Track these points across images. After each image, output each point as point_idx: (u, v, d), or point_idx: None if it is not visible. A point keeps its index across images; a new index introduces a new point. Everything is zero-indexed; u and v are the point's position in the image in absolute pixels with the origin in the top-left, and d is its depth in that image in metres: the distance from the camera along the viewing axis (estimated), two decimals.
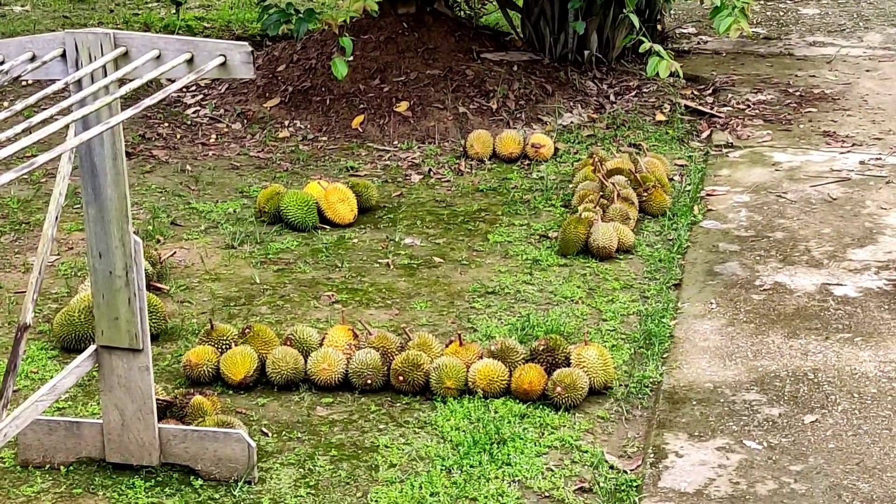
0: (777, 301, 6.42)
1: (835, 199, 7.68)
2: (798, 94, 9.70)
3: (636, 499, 4.79)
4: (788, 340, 6.00)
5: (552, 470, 5.00)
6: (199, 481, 4.90)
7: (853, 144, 8.63)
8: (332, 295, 6.57)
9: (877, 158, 8.33)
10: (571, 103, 9.31)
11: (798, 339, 6.01)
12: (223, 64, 4.30)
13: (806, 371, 5.72)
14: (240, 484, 4.86)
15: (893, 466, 4.97)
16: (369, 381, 5.56)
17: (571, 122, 9.06)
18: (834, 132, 8.86)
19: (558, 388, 5.40)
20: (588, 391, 5.48)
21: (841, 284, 6.58)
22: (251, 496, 4.83)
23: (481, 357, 5.63)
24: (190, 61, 4.32)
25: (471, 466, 5.00)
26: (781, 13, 11.91)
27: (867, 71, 10.24)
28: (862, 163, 8.27)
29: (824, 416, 5.34)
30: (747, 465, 5.00)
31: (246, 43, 4.33)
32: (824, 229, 7.26)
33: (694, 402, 5.48)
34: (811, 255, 6.94)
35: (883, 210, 7.50)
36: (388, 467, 5.03)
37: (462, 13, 10.51)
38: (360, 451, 5.15)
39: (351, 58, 8.27)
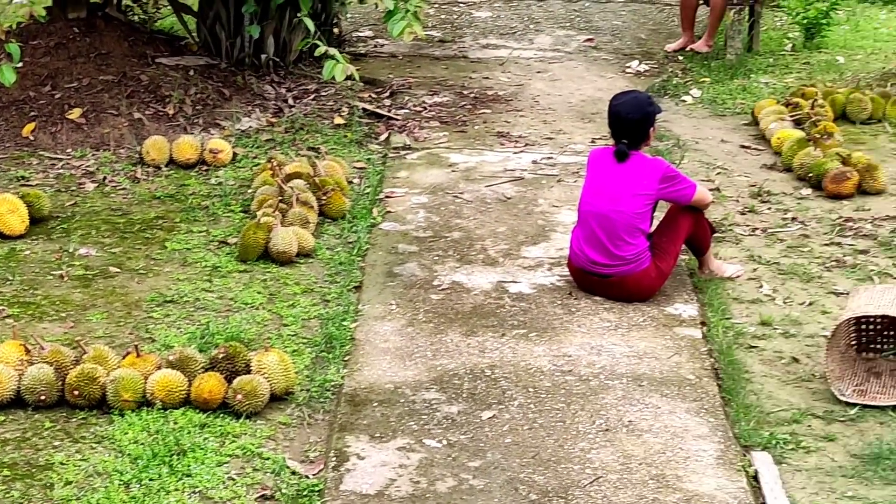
0: (455, 300, 6.52)
1: (509, 199, 7.86)
2: (473, 95, 9.89)
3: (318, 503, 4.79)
4: (466, 338, 6.11)
5: (234, 479, 4.94)
6: None
7: (526, 144, 8.85)
8: (3, 309, 6.33)
9: (548, 158, 8.56)
10: (249, 107, 9.25)
11: (476, 337, 6.13)
12: None
13: (483, 368, 5.83)
14: None
15: (567, 458, 5.11)
16: (42, 397, 5.38)
17: (250, 127, 9.00)
18: (507, 133, 9.07)
19: (238, 396, 5.35)
20: (269, 397, 5.45)
21: (516, 282, 6.74)
22: None
23: (159, 368, 5.52)
24: None
25: (150, 480, 4.90)
26: (455, 16, 12.12)
27: (538, 72, 10.53)
28: (534, 162, 8.49)
29: (501, 412, 5.45)
30: (427, 463, 5.07)
31: None
32: (500, 228, 7.42)
33: (375, 404, 5.51)
34: (487, 253, 7.09)
35: (555, 208, 7.72)
36: (64, 485, 4.88)
37: (136, 17, 10.31)
38: (34, 470, 4.98)
39: (20, 64, 7.99)
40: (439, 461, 5.08)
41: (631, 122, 6.53)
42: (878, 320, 6.02)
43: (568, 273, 6.75)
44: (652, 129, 6.62)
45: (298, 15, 9.05)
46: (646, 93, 7.07)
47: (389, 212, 7.66)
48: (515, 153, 8.67)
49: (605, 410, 5.48)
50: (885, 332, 6.06)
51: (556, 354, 5.97)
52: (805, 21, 11.47)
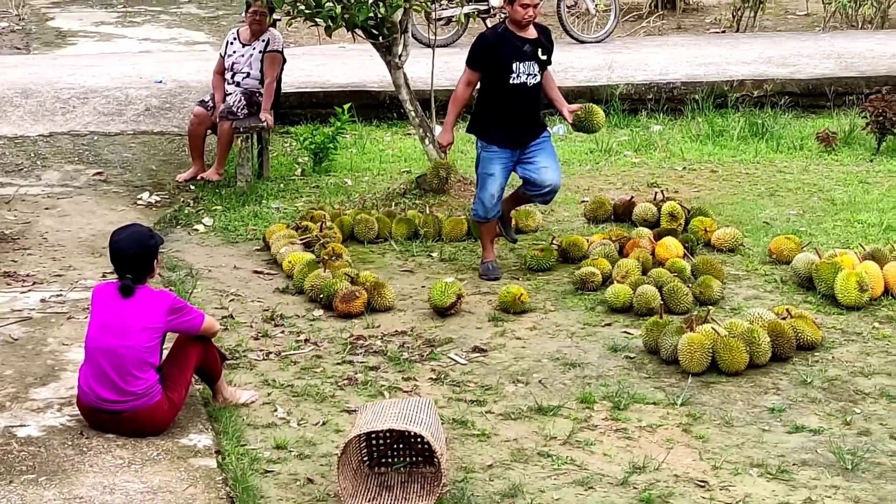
0: None
1: (17, 340, 7.58)
2: None
3: None
4: None
5: None
6: None
7: (34, 283, 8.60)
8: None
9: (58, 295, 8.34)
10: None
11: None
12: None
13: None
14: None
15: None
16: None
17: None
18: (14, 272, 8.78)
19: None
20: None
21: (24, 425, 6.49)
22: None
23: None
24: None
25: None
26: None
27: (47, 209, 10.30)
28: (43, 300, 8.24)
29: None
30: None
31: None
32: (6, 371, 7.14)
33: None
34: None
35: (65, 346, 7.50)
36: None
37: None
38: None
39: None
40: None
41: (133, 256, 6.46)
42: (387, 434, 6.17)
43: (79, 412, 6.56)
44: (156, 261, 6.59)
45: None
46: (146, 226, 7.03)
47: None
48: (23, 293, 8.40)
49: None
50: (395, 446, 6.21)
51: (67, 497, 5.77)
52: (313, 146, 11.78)
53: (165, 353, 6.62)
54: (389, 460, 6.22)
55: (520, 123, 8.77)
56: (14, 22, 18.43)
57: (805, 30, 18.54)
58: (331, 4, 9.75)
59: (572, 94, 13.69)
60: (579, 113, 9.06)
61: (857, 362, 7.47)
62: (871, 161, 12.11)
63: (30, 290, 8.46)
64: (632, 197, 10.34)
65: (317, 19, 10.12)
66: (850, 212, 10.34)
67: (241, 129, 10.98)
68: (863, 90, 13.93)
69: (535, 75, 8.73)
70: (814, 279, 8.50)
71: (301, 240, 9.26)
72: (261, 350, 7.64)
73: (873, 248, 8.86)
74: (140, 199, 10.66)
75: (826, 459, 6.34)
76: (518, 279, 8.90)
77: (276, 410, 6.85)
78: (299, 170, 11.79)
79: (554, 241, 9.27)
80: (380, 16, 10.04)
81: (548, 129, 9.18)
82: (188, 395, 6.64)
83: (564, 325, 8.08)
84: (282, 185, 11.23)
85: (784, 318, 7.66)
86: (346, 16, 9.88)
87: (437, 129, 11.78)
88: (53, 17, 19.00)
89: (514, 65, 8.63)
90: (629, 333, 7.91)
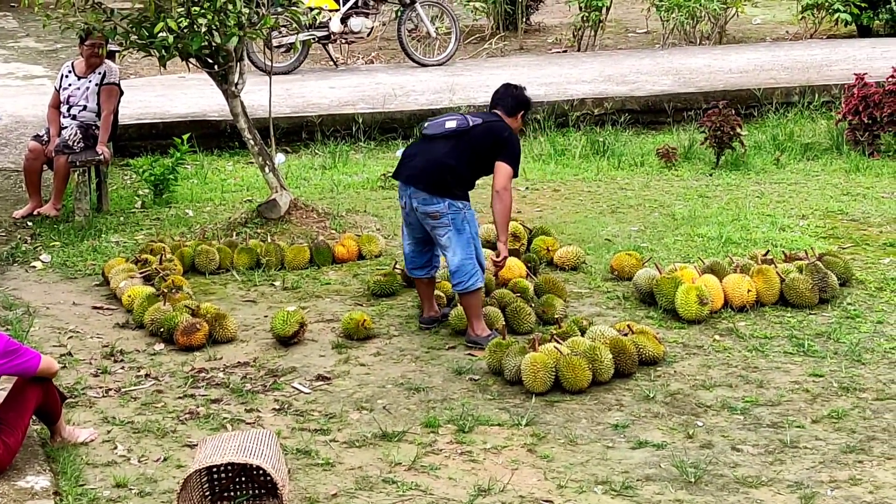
0: None
1: None
2: None
3: None
4: None
5: None
6: None
7: None
8: None
9: None
10: None
11: None
12: None
13: None
14: None
15: None
16: None
17: None
18: None
19: None
20: None
21: None
22: None
23: None
24: None
25: None
26: None
27: None
28: None
29: None
30: None
31: None
32: None
33: None
34: None
35: None
36: None
37: None
38: None
39: None
40: None
41: None
42: (228, 468, 6.07)
43: None
44: None
45: None
46: None
47: None
48: None
49: None
50: (237, 479, 6.12)
51: None
52: (153, 178, 11.61)
53: (3, 394, 6.46)
54: (232, 493, 6.13)
55: None
56: None
57: (645, 47, 18.84)
58: (164, 34, 9.59)
59: (414, 118, 13.77)
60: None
61: (699, 375, 7.56)
62: (711, 175, 12.32)
63: None
64: None
65: (150, 49, 9.96)
66: (690, 226, 10.48)
67: (78, 163, 10.77)
68: (701, 105, 14.16)
69: None
70: (655, 294, 8.60)
71: (140, 273, 9.10)
72: (100, 387, 7.49)
73: (712, 261, 8.99)
74: None
75: (669, 474, 6.39)
76: (362, 305, 8.85)
77: (115, 448, 6.70)
78: (139, 202, 11.61)
79: (397, 266, 9.23)
80: (214, 44, 9.91)
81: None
82: (25, 437, 6.46)
83: (409, 350, 8.05)
84: (122, 219, 11.04)
85: (626, 335, 7.73)
86: (179, 45, 9.73)
87: (278, 157, 11.74)
88: None
89: None
90: (473, 355, 7.91)
